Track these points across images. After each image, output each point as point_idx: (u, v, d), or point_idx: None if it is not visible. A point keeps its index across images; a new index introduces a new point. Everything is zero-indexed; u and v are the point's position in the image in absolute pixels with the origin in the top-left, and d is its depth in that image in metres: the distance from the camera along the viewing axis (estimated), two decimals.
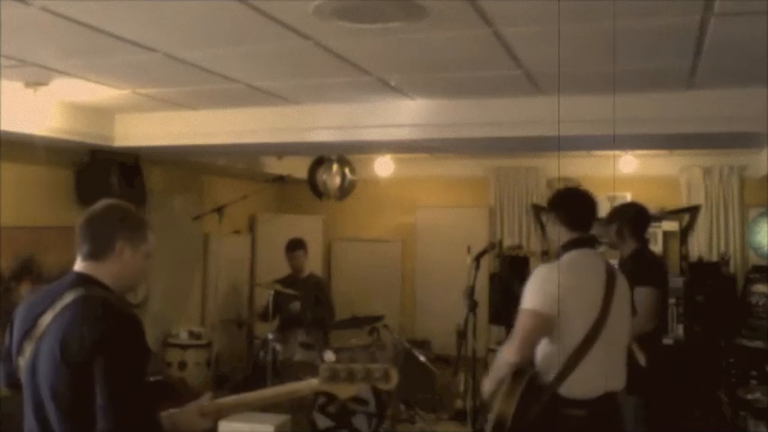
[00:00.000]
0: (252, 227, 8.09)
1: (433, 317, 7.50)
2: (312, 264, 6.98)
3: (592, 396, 2.91)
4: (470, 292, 5.56)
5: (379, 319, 6.36)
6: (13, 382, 2.09)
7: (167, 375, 6.20)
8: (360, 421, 5.54)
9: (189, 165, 6.73)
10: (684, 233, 7.06)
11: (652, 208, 7.22)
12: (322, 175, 7.11)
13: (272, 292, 6.13)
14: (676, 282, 6.69)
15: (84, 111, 5.07)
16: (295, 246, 6.61)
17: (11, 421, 2.24)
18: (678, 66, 3.67)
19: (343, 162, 7.12)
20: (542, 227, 7.44)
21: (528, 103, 4.53)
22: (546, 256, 7.38)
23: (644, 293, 3.94)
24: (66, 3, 2.82)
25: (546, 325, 2.89)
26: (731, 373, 5.86)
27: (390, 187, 7.88)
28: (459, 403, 6.72)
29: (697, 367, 5.88)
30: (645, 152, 6.89)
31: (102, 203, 2.18)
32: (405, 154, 7.21)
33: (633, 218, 4.38)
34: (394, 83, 4.25)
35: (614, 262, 4.65)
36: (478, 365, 5.82)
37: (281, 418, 5.20)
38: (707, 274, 6.53)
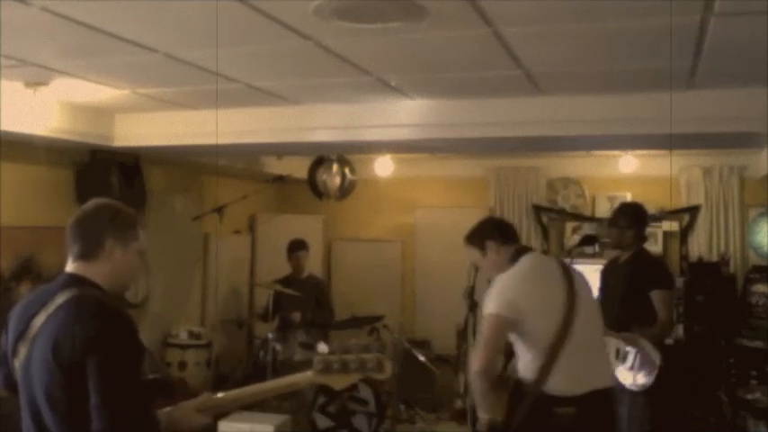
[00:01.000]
0: (252, 227, 8.09)
1: (433, 317, 7.50)
2: (312, 264, 6.98)
3: (579, 393, 2.93)
4: (470, 292, 5.56)
5: (379, 319, 6.37)
6: (11, 385, 2.08)
7: (165, 374, 6.21)
8: (360, 421, 5.54)
9: (189, 165, 6.72)
10: (684, 233, 7.06)
11: (652, 208, 7.26)
12: (322, 175, 7.11)
13: (272, 293, 6.13)
14: (676, 282, 6.70)
15: (84, 111, 5.07)
16: (297, 246, 6.61)
17: (9, 422, 2.24)
18: (678, 66, 3.67)
19: (343, 162, 7.12)
20: (543, 227, 7.45)
21: (528, 103, 4.53)
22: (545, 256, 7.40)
23: (664, 296, 3.99)
24: (66, 3, 2.82)
25: (506, 327, 2.96)
26: (731, 373, 5.86)
27: (390, 187, 7.88)
28: (459, 403, 6.72)
29: (697, 367, 5.88)
30: (645, 152, 6.89)
31: (91, 203, 2.18)
32: (405, 154, 7.21)
33: (644, 218, 4.44)
34: (394, 83, 4.25)
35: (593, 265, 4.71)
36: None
37: (281, 418, 5.21)
38: (707, 274, 6.53)
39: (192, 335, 6.42)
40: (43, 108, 4.63)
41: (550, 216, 7.48)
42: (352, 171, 7.27)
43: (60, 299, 1.99)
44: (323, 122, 5.03)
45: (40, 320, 1.98)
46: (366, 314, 6.48)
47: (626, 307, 4.14)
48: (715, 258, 6.78)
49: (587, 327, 3.01)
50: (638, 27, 3.00)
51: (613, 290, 4.29)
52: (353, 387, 5.42)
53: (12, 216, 5.03)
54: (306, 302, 6.37)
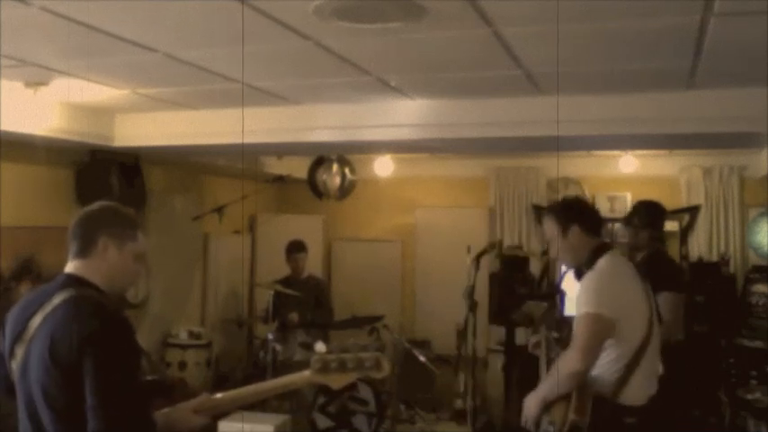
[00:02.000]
0: (252, 227, 8.09)
1: (433, 317, 7.50)
2: (312, 264, 6.98)
3: (641, 402, 2.85)
4: (470, 292, 5.56)
5: (379, 319, 6.37)
6: (8, 387, 2.08)
7: (163, 374, 6.21)
8: (360, 421, 5.54)
9: (189, 165, 6.72)
10: (684, 233, 7.06)
11: None
12: (322, 175, 7.11)
13: (272, 293, 6.13)
14: None
15: (84, 111, 5.07)
16: (296, 248, 6.61)
17: (8, 422, 2.24)
18: (678, 66, 3.67)
19: (343, 162, 7.12)
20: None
21: (528, 103, 4.52)
22: (546, 255, 7.39)
23: (672, 299, 3.84)
24: (66, 3, 2.82)
25: (608, 329, 2.81)
26: (731, 373, 5.86)
27: (390, 187, 7.88)
28: (459, 403, 6.71)
29: (697, 367, 5.88)
30: (645, 152, 6.89)
31: (95, 204, 2.18)
32: (405, 154, 7.21)
33: (659, 218, 4.32)
34: (394, 83, 4.25)
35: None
36: (478, 365, 5.82)
37: (281, 418, 5.21)
38: (707, 274, 6.53)
39: (192, 335, 6.42)
40: (43, 108, 4.63)
41: None
42: (352, 171, 7.27)
43: (58, 299, 2.00)
44: (323, 122, 5.03)
45: (37, 321, 1.98)
46: (366, 314, 6.48)
47: None
48: (715, 258, 6.78)
49: (658, 330, 2.94)
50: (638, 27, 3.00)
51: None
52: (353, 387, 5.42)
53: (12, 216, 5.03)
54: (305, 303, 6.37)
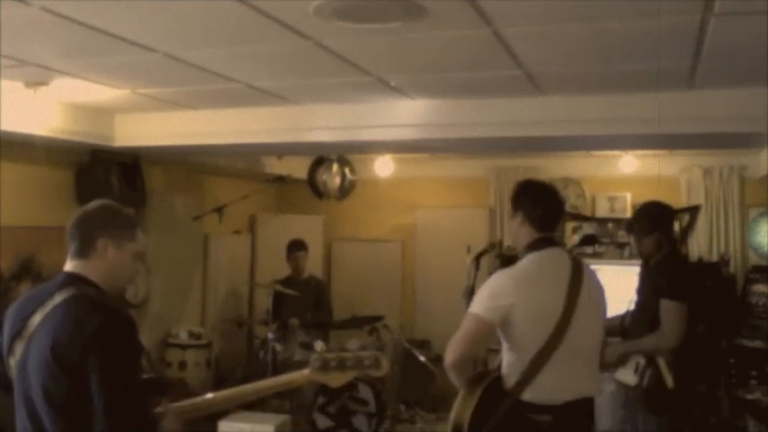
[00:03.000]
0: (252, 227, 8.09)
1: (433, 317, 7.49)
2: (312, 264, 6.98)
3: (558, 401, 2.83)
4: (470, 292, 5.55)
5: (379, 319, 6.37)
6: (5, 383, 2.09)
7: (161, 373, 6.20)
8: (360, 421, 5.54)
9: (189, 165, 6.72)
10: (684, 233, 7.05)
11: None
12: (322, 175, 7.11)
13: (271, 293, 6.13)
14: None
15: (84, 111, 5.07)
16: (296, 247, 6.61)
17: (6, 423, 2.24)
18: (678, 66, 3.67)
19: (343, 162, 7.12)
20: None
21: (528, 103, 4.52)
22: None
23: (669, 307, 3.75)
24: (66, 3, 2.82)
25: (485, 331, 2.88)
26: (731, 373, 5.86)
27: (390, 187, 7.88)
28: None
29: (697, 367, 5.88)
30: (645, 152, 6.89)
31: (92, 203, 2.19)
32: (405, 154, 7.21)
33: (662, 220, 4.07)
34: (394, 83, 4.25)
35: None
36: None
37: (281, 417, 5.21)
38: (707, 274, 6.53)
39: (192, 335, 6.41)
40: (43, 108, 4.63)
41: None
42: (352, 171, 7.27)
43: (58, 298, 2.00)
44: (323, 122, 5.03)
45: (37, 319, 1.99)
46: (366, 314, 6.48)
47: (640, 314, 3.97)
48: (715, 258, 6.78)
49: (582, 334, 2.87)
50: (638, 27, 3.00)
51: (639, 295, 4.08)
52: (353, 387, 5.43)
53: (12, 216, 5.03)
54: (305, 303, 6.37)
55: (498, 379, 2.93)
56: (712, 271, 6.58)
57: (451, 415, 2.94)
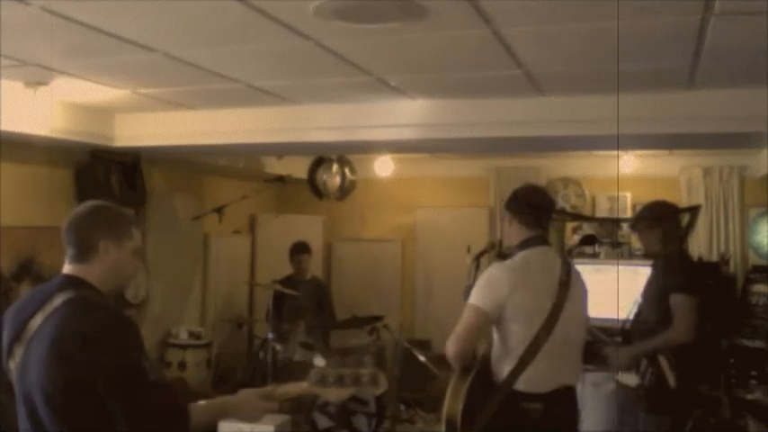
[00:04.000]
0: (252, 227, 8.09)
1: (433, 317, 7.50)
2: (312, 264, 6.98)
3: (546, 390, 2.97)
4: (470, 292, 5.56)
5: (379, 319, 6.36)
6: (5, 386, 2.09)
7: (160, 373, 6.20)
8: (360, 421, 5.54)
9: (189, 165, 6.72)
10: (684, 233, 7.05)
11: None
12: (322, 175, 7.11)
13: (271, 294, 6.13)
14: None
15: (84, 111, 5.07)
16: (300, 250, 6.61)
17: (8, 423, 2.24)
18: (678, 66, 3.67)
19: (343, 162, 7.12)
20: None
21: (528, 103, 4.52)
22: None
23: (679, 300, 3.77)
24: (66, 3, 2.82)
25: (485, 322, 3.01)
26: (731, 373, 5.86)
27: (390, 187, 7.88)
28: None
29: (697, 367, 5.87)
30: (645, 152, 6.89)
31: (84, 205, 2.20)
32: (405, 154, 7.21)
33: (668, 218, 4.12)
34: (394, 83, 4.25)
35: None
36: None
37: (281, 417, 5.21)
38: (707, 274, 6.52)
39: (191, 335, 6.41)
40: (43, 108, 4.62)
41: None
42: (352, 171, 7.27)
43: (58, 300, 2.00)
44: (323, 122, 5.03)
45: (37, 322, 1.99)
46: (366, 314, 6.48)
47: (650, 315, 3.98)
48: (715, 258, 6.78)
49: (570, 326, 3.02)
50: (638, 27, 3.00)
51: (644, 297, 4.11)
52: None
53: (12, 216, 5.02)
54: (306, 303, 6.37)
55: (484, 371, 3.05)
56: (712, 271, 6.59)
57: (443, 410, 3.06)
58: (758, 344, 5.88)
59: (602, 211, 7.29)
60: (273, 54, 3.60)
